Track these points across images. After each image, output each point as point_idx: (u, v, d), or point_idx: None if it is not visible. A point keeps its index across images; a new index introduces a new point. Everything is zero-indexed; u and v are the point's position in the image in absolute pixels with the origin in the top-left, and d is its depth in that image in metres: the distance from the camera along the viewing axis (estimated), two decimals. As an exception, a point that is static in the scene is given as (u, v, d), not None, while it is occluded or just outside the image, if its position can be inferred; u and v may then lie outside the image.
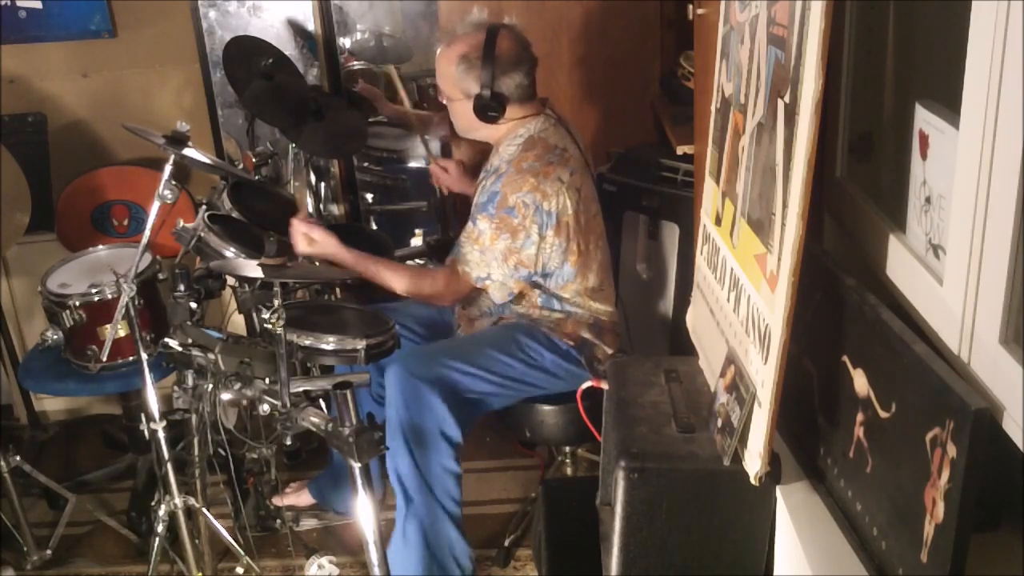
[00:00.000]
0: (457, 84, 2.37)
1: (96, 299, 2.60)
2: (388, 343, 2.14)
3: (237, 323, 2.79)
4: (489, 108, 2.35)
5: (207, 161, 2.42)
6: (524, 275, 2.37)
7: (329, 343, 2.07)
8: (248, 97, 2.75)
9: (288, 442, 2.01)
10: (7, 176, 2.80)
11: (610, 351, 2.47)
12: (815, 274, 1.38)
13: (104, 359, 2.55)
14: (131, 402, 2.92)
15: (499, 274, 2.35)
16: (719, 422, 1.45)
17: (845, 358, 1.31)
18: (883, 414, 1.18)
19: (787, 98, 1.25)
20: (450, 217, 3.23)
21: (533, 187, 2.29)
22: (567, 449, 2.81)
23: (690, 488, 1.45)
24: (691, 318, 1.84)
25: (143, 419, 2.22)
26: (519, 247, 2.32)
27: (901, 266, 1.34)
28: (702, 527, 1.46)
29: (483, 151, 2.65)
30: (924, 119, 1.27)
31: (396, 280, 2.40)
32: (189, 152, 2.27)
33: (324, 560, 2.32)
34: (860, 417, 1.25)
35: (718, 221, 1.63)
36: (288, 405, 1.96)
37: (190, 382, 2.11)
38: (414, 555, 2.27)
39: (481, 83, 2.33)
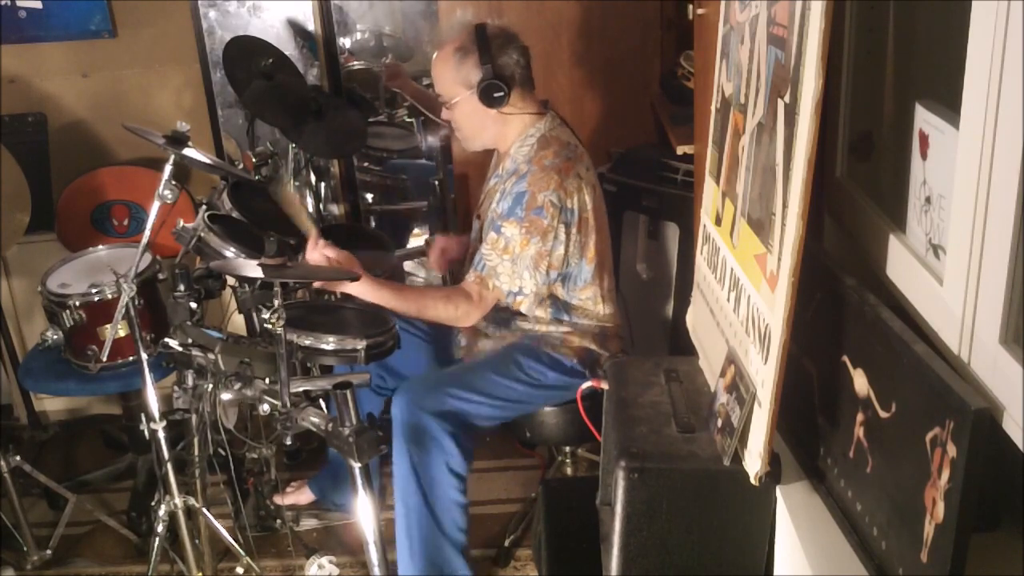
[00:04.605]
0: (457, 77, 2.34)
1: (96, 299, 2.60)
2: (388, 343, 2.14)
3: (237, 323, 2.79)
4: (494, 89, 2.30)
5: (207, 161, 2.42)
6: (553, 277, 2.34)
7: (329, 343, 2.07)
8: (248, 97, 2.75)
9: (288, 442, 2.01)
10: (7, 176, 2.80)
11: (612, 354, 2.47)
12: (815, 274, 1.38)
13: (104, 359, 2.55)
14: (131, 402, 2.92)
15: (531, 285, 2.30)
16: (719, 422, 1.45)
17: (845, 358, 1.31)
18: (883, 414, 1.18)
19: (787, 98, 1.25)
20: (450, 217, 3.23)
21: (558, 184, 2.27)
22: (567, 449, 2.81)
23: (690, 488, 1.45)
24: (691, 318, 1.84)
25: (143, 419, 2.22)
26: (549, 250, 2.29)
27: (901, 266, 1.34)
28: (702, 527, 1.46)
29: (483, 161, 2.64)
30: (924, 119, 1.27)
31: (416, 307, 2.29)
32: (189, 152, 2.27)
33: (324, 560, 2.32)
34: (860, 417, 1.25)
35: (718, 221, 1.63)
36: (288, 405, 1.96)
37: (190, 382, 2.12)
38: None
39: (481, 64, 2.30)
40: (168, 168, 2.20)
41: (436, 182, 3.51)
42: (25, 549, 2.70)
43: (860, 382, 1.26)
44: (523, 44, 2.38)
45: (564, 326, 2.42)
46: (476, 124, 2.40)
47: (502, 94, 2.31)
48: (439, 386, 2.29)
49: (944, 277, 1.17)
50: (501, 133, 2.42)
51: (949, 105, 1.19)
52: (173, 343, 2.12)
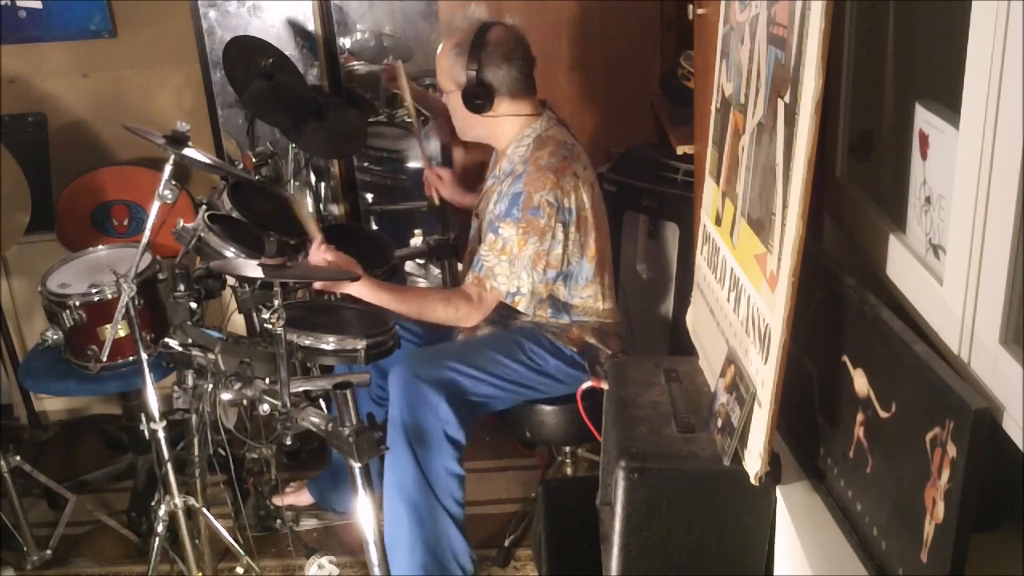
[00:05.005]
0: (449, 74, 2.38)
1: (96, 299, 2.60)
2: (388, 343, 2.14)
3: (237, 323, 2.80)
4: (476, 96, 2.34)
5: (207, 161, 2.42)
6: (551, 276, 2.35)
7: (329, 343, 2.07)
8: (248, 97, 2.75)
9: (288, 442, 2.01)
10: (7, 176, 2.80)
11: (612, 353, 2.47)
12: (815, 274, 1.38)
13: (104, 359, 2.54)
14: (131, 402, 2.92)
15: (528, 284, 2.30)
16: (719, 422, 1.45)
17: (845, 358, 1.31)
18: (883, 414, 1.18)
19: (787, 98, 1.25)
20: (450, 217, 3.23)
21: (554, 184, 2.28)
22: (567, 449, 2.81)
23: (690, 488, 1.45)
24: (691, 318, 1.84)
25: (143, 419, 2.22)
26: (547, 249, 2.30)
27: (901, 266, 1.34)
28: (702, 527, 1.46)
29: (482, 161, 2.64)
30: (924, 119, 1.27)
31: (416, 309, 2.31)
32: (189, 152, 2.27)
33: (324, 560, 2.32)
34: (860, 417, 1.25)
35: (718, 221, 1.63)
36: (288, 405, 1.96)
37: (190, 382, 2.12)
38: (415, 556, 2.27)
39: (467, 68, 2.32)
40: (168, 168, 2.20)
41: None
42: (25, 549, 2.70)
43: (860, 382, 1.26)
44: (526, 52, 2.39)
45: (563, 320, 2.44)
46: (464, 119, 2.44)
47: (481, 102, 2.35)
48: (438, 358, 2.30)
49: (944, 277, 1.17)
50: (492, 132, 2.45)
51: (949, 105, 1.19)
52: (173, 343, 2.12)
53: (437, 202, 2.88)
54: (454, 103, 2.42)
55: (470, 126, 2.46)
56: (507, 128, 2.41)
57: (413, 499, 2.24)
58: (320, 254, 2.23)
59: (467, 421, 2.27)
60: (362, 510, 1.96)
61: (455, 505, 2.29)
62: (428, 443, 2.22)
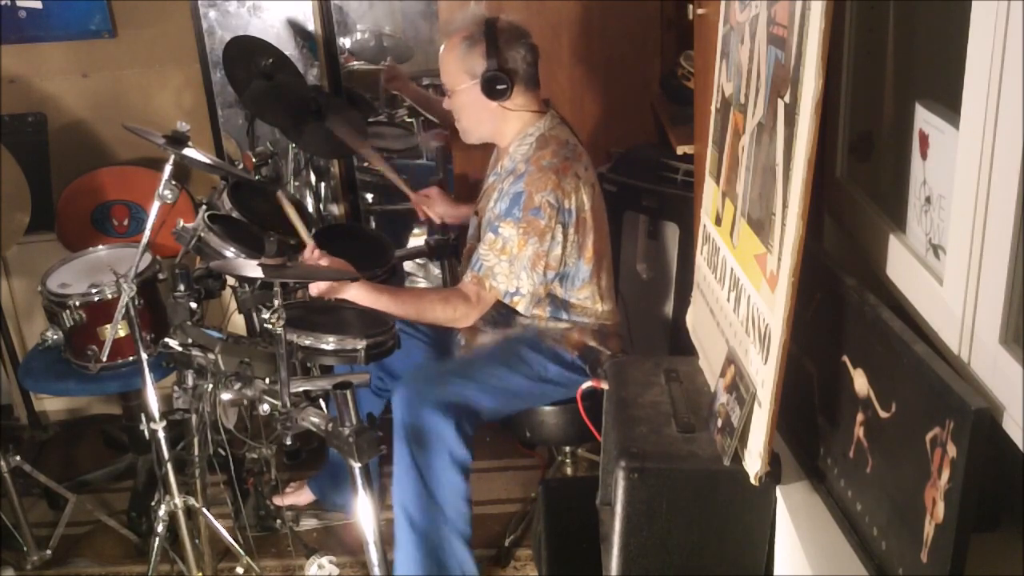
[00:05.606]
0: (462, 66, 2.34)
1: (96, 299, 2.60)
2: (388, 343, 2.14)
3: (237, 323, 2.80)
4: (498, 82, 2.31)
5: (207, 161, 2.42)
6: (551, 277, 2.35)
7: (329, 343, 2.07)
8: (248, 97, 2.76)
9: (288, 442, 2.02)
10: (7, 176, 2.80)
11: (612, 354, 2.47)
12: (815, 274, 1.38)
13: (104, 359, 2.54)
14: (131, 402, 2.92)
15: (528, 285, 2.30)
16: (719, 422, 1.45)
17: (845, 358, 1.31)
18: (883, 414, 1.18)
19: (787, 98, 1.25)
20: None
21: (555, 185, 2.27)
22: (567, 449, 2.81)
23: (690, 488, 1.45)
24: (691, 318, 1.84)
25: (143, 419, 2.22)
26: (546, 250, 2.29)
27: (901, 266, 1.34)
28: (702, 527, 1.46)
29: (482, 167, 2.63)
30: (924, 119, 1.27)
31: (415, 310, 2.30)
32: (189, 152, 2.27)
33: (324, 560, 2.32)
34: (860, 417, 1.25)
35: (718, 221, 1.63)
36: (288, 405, 1.96)
37: (190, 382, 2.12)
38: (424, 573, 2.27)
39: (487, 56, 2.30)
40: (168, 168, 2.21)
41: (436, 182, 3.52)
42: (25, 549, 2.70)
43: (860, 382, 1.26)
44: (532, 43, 2.39)
45: (563, 323, 2.43)
46: (475, 115, 2.40)
47: (504, 87, 2.32)
48: (440, 377, 2.30)
49: (944, 277, 1.17)
50: (499, 128, 2.42)
51: (949, 105, 1.19)
52: (173, 343, 2.12)
53: (438, 221, 2.84)
54: (464, 100, 2.38)
55: (478, 124, 2.42)
56: (513, 124, 2.40)
57: (420, 518, 2.24)
58: (313, 260, 2.22)
59: (471, 438, 2.27)
60: (362, 510, 1.97)
61: (463, 523, 2.28)
62: (434, 465, 2.22)
